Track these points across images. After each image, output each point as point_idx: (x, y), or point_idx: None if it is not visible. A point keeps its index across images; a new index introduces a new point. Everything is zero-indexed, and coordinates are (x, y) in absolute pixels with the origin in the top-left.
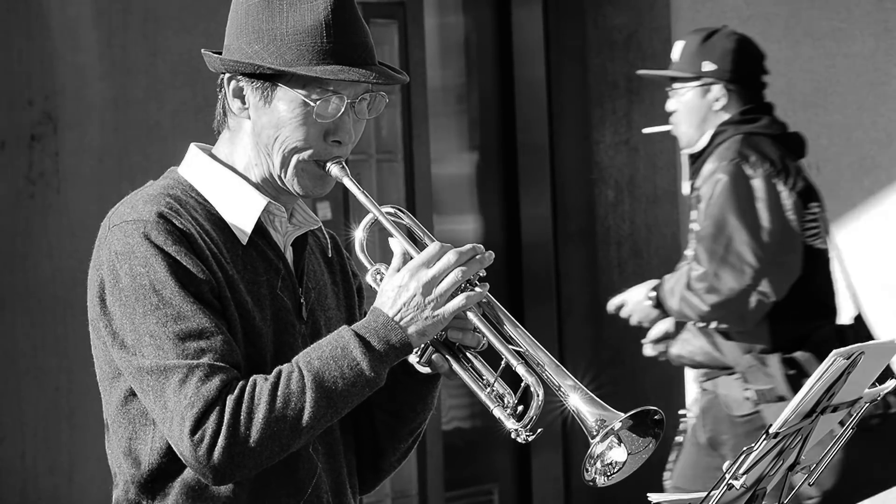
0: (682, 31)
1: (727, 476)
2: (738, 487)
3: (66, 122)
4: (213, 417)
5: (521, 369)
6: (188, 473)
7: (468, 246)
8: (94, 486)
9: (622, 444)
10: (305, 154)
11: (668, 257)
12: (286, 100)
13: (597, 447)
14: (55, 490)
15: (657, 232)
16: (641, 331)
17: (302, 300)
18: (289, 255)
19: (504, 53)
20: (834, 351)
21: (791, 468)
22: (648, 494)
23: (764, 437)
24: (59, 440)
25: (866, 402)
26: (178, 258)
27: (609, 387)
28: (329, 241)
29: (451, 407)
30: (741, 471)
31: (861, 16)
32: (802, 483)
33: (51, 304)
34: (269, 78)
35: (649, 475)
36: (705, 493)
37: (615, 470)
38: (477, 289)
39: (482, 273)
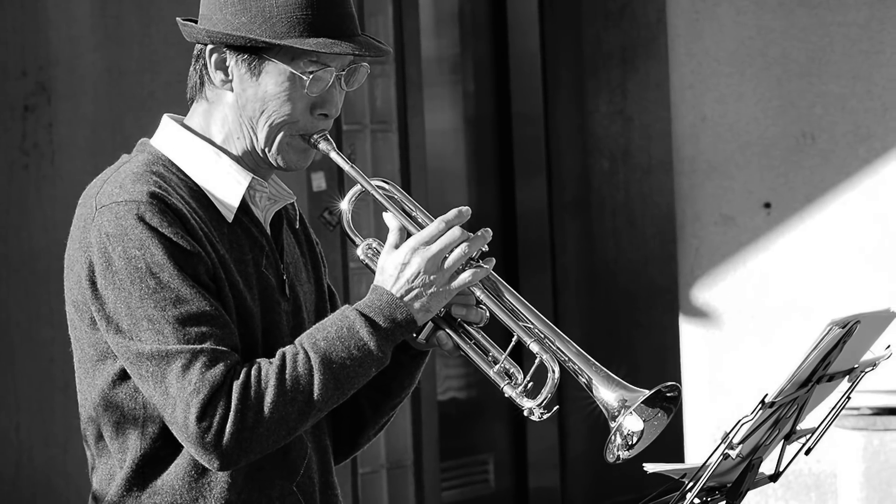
0: (677, 1)
1: (722, 445)
2: (733, 457)
3: (59, 92)
4: (220, 404)
5: (534, 346)
6: (182, 459)
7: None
8: None
9: (634, 414)
10: (293, 129)
11: (663, 227)
12: (274, 73)
13: (616, 425)
14: (50, 461)
15: (652, 202)
16: (638, 300)
17: (284, 277)
18: (267, 230)
19: (498, 23)
20: (830, 320)
21: (787, 438)
22: (644, 464)
23: (760, 406)
24: (54, 412)
25: (862, 371)
26: (174, 240)
27: (604, 357)
28: (296, 212)
29: (446, 377)
30: (736, 440)
31: None
32: (798, 452)
33: (45, 276)
34: (257, 51)
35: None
36: (701, 463)
37: (634, 438)
38: (483, 264)
39: (485, 248)
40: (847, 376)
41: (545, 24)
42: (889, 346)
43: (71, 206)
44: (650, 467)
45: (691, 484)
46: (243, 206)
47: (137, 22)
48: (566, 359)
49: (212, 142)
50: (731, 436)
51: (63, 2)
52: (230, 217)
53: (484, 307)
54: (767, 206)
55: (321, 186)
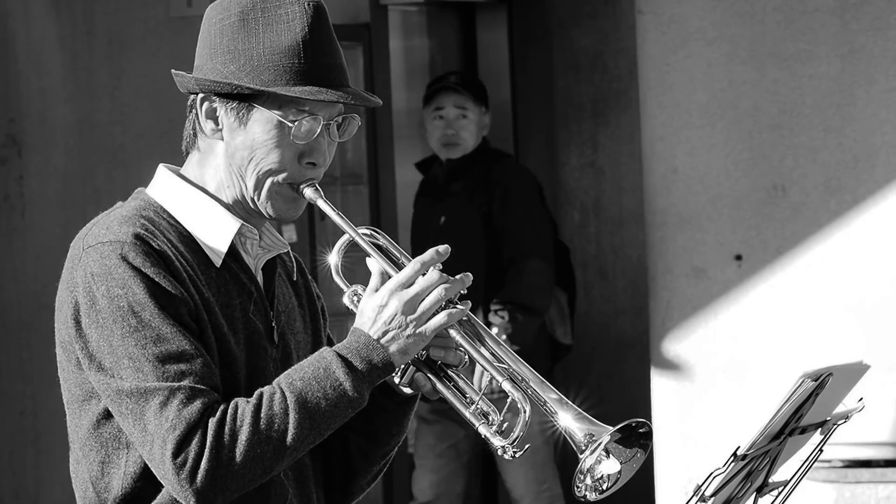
0: (648, 53)
1: (694, 498)
2: None
3: (30, 145)
4: (195, 440)
5: (506, 385)
6: (163, 498)
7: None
8: None
9: (611, 457)
10: (280, 177)
11: (634, 279)
12: (262, 121)
13: (586, 462)
14: None
15: (623, 254)
16: (609, 352)
17: (273, 324)
18: (259, 278)
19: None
20: (802, 372)
21: (759, 490)
22: None
23: (732, 458)
24: (25, 465)
25: (834, 424)
26: (156, 279)
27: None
28: (294, 264)
29: None
30: (708, 493)
31: (827, 37)
32: None
33: (15, 328)
34: (245, 98)
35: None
36: None
37: (606, 483)
38: (459, 306)
39: (463, 291)
40: (819, 429)
41: (516, 76)
42: (861, 399)
43: (41, 258)
44: None
45: None
46: (233, 252)
47: (108, 74)
48: (543, 401)
49: (205, 190)
50: (702, 488)
51: (34, 54)
52: (218, 262)
53: (462, 350)
54: (739, 258)
55: (292, 239)
